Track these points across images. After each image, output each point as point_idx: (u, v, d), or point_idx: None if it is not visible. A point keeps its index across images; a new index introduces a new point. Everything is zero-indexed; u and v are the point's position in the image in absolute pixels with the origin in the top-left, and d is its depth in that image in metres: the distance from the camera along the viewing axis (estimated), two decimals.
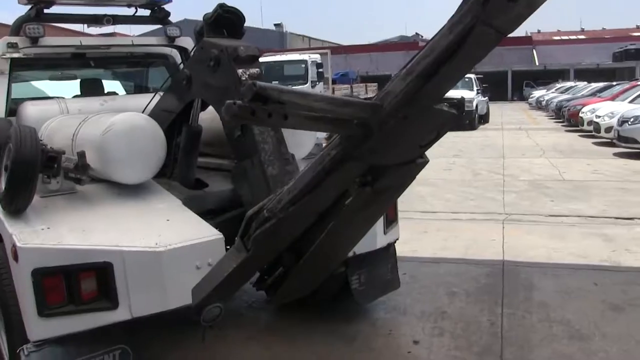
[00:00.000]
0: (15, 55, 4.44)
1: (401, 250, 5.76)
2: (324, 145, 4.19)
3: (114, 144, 3.21)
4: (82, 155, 3.17)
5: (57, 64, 5.14)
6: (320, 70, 21.23)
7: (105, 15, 4.87)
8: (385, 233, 3.94)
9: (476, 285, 4.86)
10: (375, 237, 3.78)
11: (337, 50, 51.98)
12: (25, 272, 2.73)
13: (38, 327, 2.78)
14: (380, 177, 2.25)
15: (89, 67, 5.36)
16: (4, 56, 4.41)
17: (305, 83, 20.66)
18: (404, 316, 4.32)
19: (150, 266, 2.85)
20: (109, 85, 6.00)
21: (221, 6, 3.47)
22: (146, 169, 3.37)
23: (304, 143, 3.88)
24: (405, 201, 8.33)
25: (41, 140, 3.18)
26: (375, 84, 29.22)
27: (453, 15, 1.73)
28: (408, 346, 3.83)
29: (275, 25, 62.32)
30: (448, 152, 13.37)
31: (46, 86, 5.80)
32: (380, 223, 3.84)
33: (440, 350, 3.74)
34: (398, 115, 1.90)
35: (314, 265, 2.83)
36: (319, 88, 21.29)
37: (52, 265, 2.76)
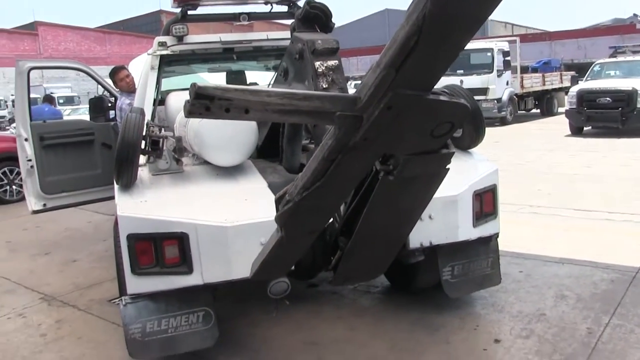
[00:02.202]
0: (164, 52, 5.12)
1: (530, 247, 5.60)
2: None
3: (207, 131, 3.63)
4: (178, 139, 3.65)
5: (201, 59, 5.76)
6: (507, 58, 20.25)
7: (242, 13, 5.36)
8: (475, 226, 3.87)
9: (593, 290, 4.50)
10: (457, 229, 3.73)
11: (541, 36, 48.95)
12: (123, 236, 3.26)
13: (132, 283, 3.30)
14: (403, 166, 2.26)
15: (231, 60, 5.92)
16: (154, 54, 5.11)
17: (491, 72, 19.91)
18: (499, 313, 4.20)
19: (218, 239, 3.21)
20: (256, 76, 6.56)
21: (308, 3, 3.71)
22: (236, 153, 3.74)
23: None
24: (560, 197, 7.91)
25: (152, 126, 3.72)
26: (571, 72, 26.85)
27: (410, 3, 1.71)
28: (487, 344, 3.75)
29: None
30: (627, 147, 12.07)
31: (198, 79, 6.54)
32: (467, 215, 3.79)
33: (518, 352, 3.60)
34: (380, 106, 1.91)
35: (364, 248, 2.91)
36: (506, 77, 20.40)
37: (143, 232, 3.25)
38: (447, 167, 2.39)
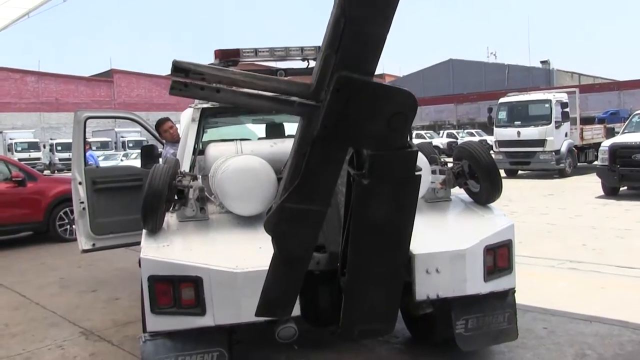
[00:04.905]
0: (205, 105, 5.50)
1: (560, 303, 5.56)
2: (438, 187, 4.39)
3: (228, 182, 3.89)
4: (201, 189, 3.94)
5: (241, 112, 6.11)
6: (566, 110, 19.95)
7: (279, 69, 5.71)
8: (486, 280, 3.92)
9: (617, 351, 4.42)
10: (465, 283, 3.79)
11: (609, 86, 47.95)
12: (144, 277, 3.53)
13: (151, 321, 3.54)
14: (371, 164, 2.31)
15: (270, 113, 6.24)
16: (196, 107, 5.50)
17: (549, 123, 19.69)
18: None
19: (228, 283, 3.43)
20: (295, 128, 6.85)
21: None
22: (256, 203, 3.97)
23: None
24: (604, 253, 7.75)
25: (181, 176, 4.03)
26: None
27: None
28: None
29: (541, 62, 60.01)
30: None
31: (245, 129, 6.90)
32: (477, 269, 3.85)
33: None
34: (329, 88, 2.02)
35: (362, 284, 2.92)
36: (565, 129, 20.08)
37: (162, 274, 3.51)
38: (419, 173, 2.41)
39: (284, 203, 2.38)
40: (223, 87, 2.07)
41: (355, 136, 2.21)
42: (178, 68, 2.03)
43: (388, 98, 2.10)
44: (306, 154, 2.22)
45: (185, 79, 2.04)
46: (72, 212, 10.22)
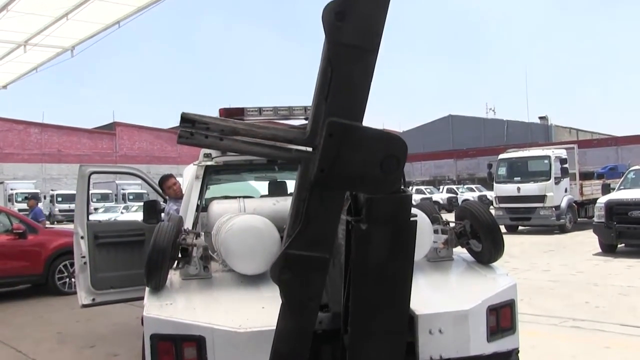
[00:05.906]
0: (209, 163, 5.58)
1: None
2: (441, 247, 4.40)
3: (231, 241, 3.92)
4: (205, 248, 3.97)
5: (246, 169, 6.19)
6: (565, 166, 20.16)
7: None
8: (489, 341, 3.89)
9: None
10: (468, 344, 3.77)
11: (607, 142, 48.52)
12: (147, 335, 3.52)
13: None
14: (368, 208, 2.37)
15: (273, 171, 6.33)
16: (200, 164, 5.58)
17: (548, 179, 19.85)
18: None
19: (232, 343, 3.40)
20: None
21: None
22: (259, 262, 3.98)
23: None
24: (607, 311, 7.70)
25: (185, 234, 4.06)
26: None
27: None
28: None
29: (540, 118, 60.82)
30: None
31: (247, 186, 6.96)
32: (480, 329, 3.83)
33: None
34: (323, 134, 2.12)
35: (365, 340, 2.86)
36: (564, 184, 20.22)
37: (165, 333, 3.50)
38: (414, 219, 2.46)
39: (287, 250, 2.43)
40: (226, 136, 2.21)
41: (350, 179, 2.28)
42: (185, 119, 2.18)
43: (378, 142, 2.20)
44: (306, 199, 2.29)
45: (191, 129, 2.18)
46: (71, 265, 10.27)
